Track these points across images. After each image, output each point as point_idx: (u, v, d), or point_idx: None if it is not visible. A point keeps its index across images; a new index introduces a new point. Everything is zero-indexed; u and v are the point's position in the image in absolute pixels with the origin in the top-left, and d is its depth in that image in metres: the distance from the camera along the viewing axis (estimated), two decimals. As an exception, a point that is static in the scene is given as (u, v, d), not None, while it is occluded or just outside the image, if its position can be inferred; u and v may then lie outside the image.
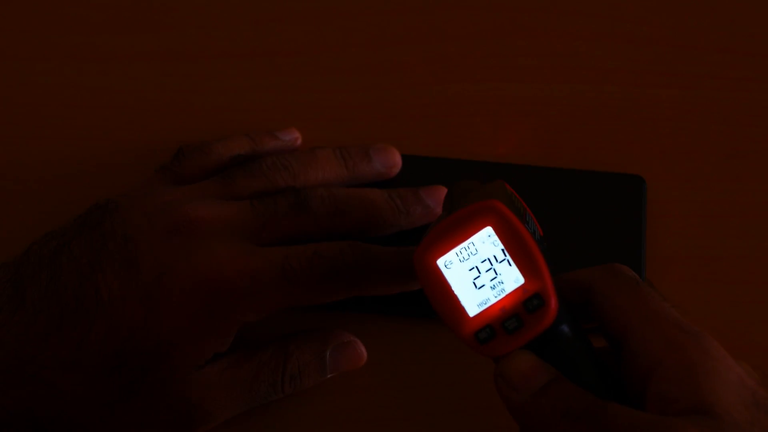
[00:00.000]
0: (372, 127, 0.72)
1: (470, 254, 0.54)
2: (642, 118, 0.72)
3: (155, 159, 0.69)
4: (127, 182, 0.67)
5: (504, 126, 0.72)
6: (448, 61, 0.74)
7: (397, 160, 0.68)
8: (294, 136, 0.70)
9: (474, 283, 0.54)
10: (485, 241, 0.54)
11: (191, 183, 0.65)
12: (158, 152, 0.69)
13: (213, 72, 0.73)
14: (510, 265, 0.53)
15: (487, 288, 0.54)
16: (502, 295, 0.53)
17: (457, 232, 0.54)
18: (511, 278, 0.53)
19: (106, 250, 0.59)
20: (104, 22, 0.75)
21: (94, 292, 0.58)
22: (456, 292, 0.54)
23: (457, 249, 0.54)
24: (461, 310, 0.54)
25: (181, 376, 0.58)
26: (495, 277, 0.54)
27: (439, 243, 0.54)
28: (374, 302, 0.66)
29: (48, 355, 0.57)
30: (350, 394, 0.66)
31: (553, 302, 0.52)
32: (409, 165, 0.69)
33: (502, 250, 0.53)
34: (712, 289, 0.68)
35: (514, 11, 0.75)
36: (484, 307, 0.54)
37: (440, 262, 0.54)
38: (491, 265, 0.54)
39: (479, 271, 0.54)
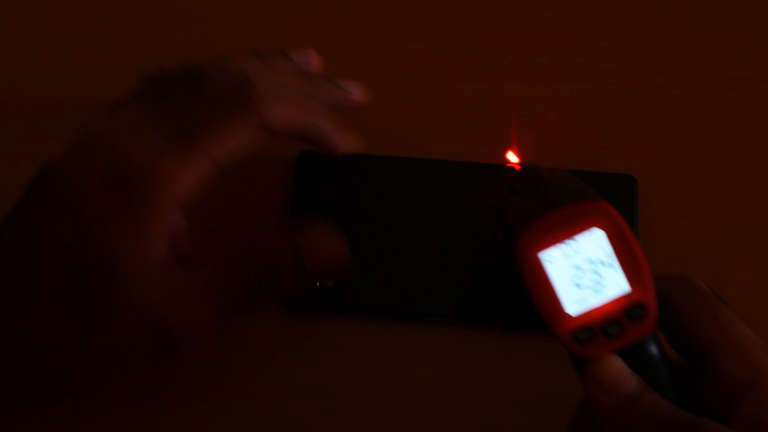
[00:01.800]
0: (372, 127, 0.72)
1: (575, 252, 0.54)
2: (642, 118, 0.72)
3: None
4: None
5: (503, 126, 0.72)
6: (448, 61, 0.74)
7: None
8: (307, 59, 0.66)
9: (576, 282, 0.54)
10: (593, 243, 0.54)
11: None
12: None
13: (213, 72, 0.73)
14: (615, 270, 0.54)
15: (588, 289, 0.54)
16: (604, 298, 0.54)
17: (566, 228, 0.54)
18: (615, 283, 0.54)
19: (35, 191, 0.57)
20: (104, 22, 0.75)
21: (31, 232, 0.56)
22: (556, 288, 0.54)
23: (562, 245, 0.54)
24: (560, 307, 0.54)
25: (137, 286, 0.56)
26: (598, 279, 0.54)
27: (546, 235, 0.54)
28: (375, 306, 0.66)
29: (6, 303, 0.56)
30: (350, 395, 0.66)
31: (655, 313, 0.53)
32: (408, 167, 0.70)
33: (610, 254, 0.54)
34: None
35: (514, 11, 0.75)
36: (584, 307, 0.54)
37: (544, 255, 0.54)
38: (596, 267, 0.54)
39: (582, 271, 0.54)
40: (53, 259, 0.56)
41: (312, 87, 0.63)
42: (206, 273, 0.57)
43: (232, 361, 0.67)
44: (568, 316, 0.54)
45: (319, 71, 0.65)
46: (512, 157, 0.70)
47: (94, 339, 0.56)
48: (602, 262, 0.54)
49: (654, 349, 0.53)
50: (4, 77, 0.73)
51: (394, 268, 0.67)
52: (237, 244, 0.58)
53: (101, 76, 0.73)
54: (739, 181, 0.71)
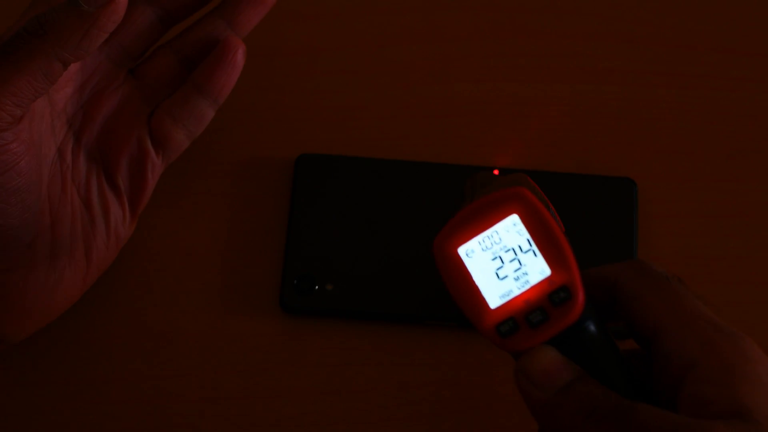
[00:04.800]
0: (372, 127, 0.72)
1: (493, 243, 0.52)
2: (642, 118, 0.72)
3: (155, 160, 0.69)
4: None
5: (504, 126, 0.72)
6: (448, 61, 0.74)
7: None
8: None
9: (497, 273, 0.52)
10: (510, 230, 0.52)
11: None
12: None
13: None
14: (536, 255, 0.51)
15: (510, 279, 0.52)
16: (527, 287, 0.51)
17: (480, 219, 0.52)
18: (537, 269, 0.51)
19: None
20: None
21: None
22: (477, 283, 0.52)
23: (479, 237, 0.52)
24: (482, 301, 0.51)
25: None
26: (519, 268, 0.51)
27: (461, 230, 0.52)
28: (375, 310, 0.67)
29: None
30: (351, 395, 0.66)
31: (581, 296, 0.50)
32: (408, 170, 0.70)
33: (528, 239, 0.51)
34: (711, 289, 0.68)
35: (514, 11, 0.75)
36: (507, 299, 0.51)
37: (461, 250, 0.52)
38: (515, 255, 0.52)
39: (502, 261, 0.52)
40: None
41: None
42: None
43: (231, 362, 0.67)
44: (490, 309, 0.51)
45: None
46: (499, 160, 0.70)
47: None
48: (522, 249, 0.52)
49: (594, 332, 0.51)
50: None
51: (393, 271, 0.67)
52: None
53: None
54: (739, 181, 0.71)
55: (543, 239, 0.51)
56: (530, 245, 0.51)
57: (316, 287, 0.67)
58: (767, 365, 0.49)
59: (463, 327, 0.67)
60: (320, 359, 0.67)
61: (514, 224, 0.52)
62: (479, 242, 0.52)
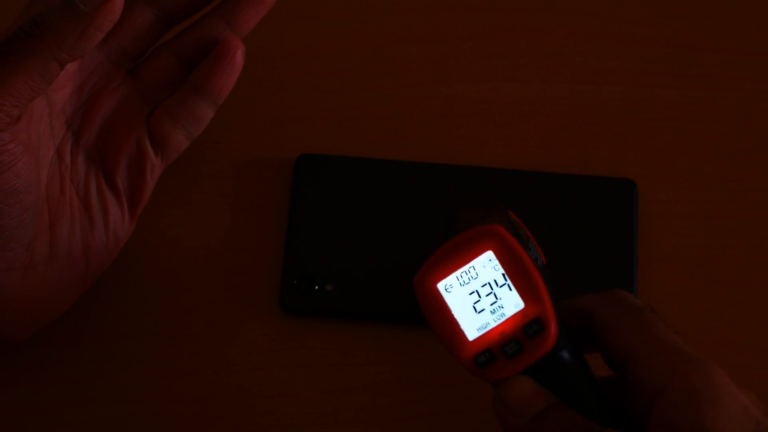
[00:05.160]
0: (372, 127, 0.72)
1: (471, 278, 0.54)
2: (642, 118, 0.72)
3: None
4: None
5: (504, 126, 0.72)
6: (448, 61, 0.74)
7: None
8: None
9: (474, 307, 0.54)
10: (486, 265, 0.54)
11: None
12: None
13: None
14: (510, 289, 0.53)
15: (487, 312, 0.54)
16: (502, 320, 0.53)
17: (458, 255, 0.54)
18: (512, 303, 0.53)
19: None
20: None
21: None
22: (456, 316, 0.54)
23: (457, 273, 0.54)
24: (461, 334, 0.54)
25: None
26: (495, 302, 0.54)
27: (440, 266, 0.54)
28: (374, 310, 0.67)
29: None
30: (351, 395, 0.66)
31: (553, 327, 0.52)
32: (408, 170, 0.70)
33: (503, 274, 0.54)
34: (711, 289, 0.68)
35: (514, 11, 0.75)
36: (484, 331, 0.54)
37: (440, 285, 0.54)
38: (491, 289, 0.54)
39: (479, 296, 0.54)
40: None
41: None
42: None
43: (231, 362, 0.67)
44: (468, 341, 0.54)
45: None
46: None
47: None
48: (497, 283, 0.54)
49: (569, 361, 0.53)
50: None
51: (393, 271, 0.67)
52: None
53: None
54: (739, 181, 0.71)
55: (516, 274, 0.53)
56: (505, 279, 0.54)
57: (316, 287, 0.67)
58: (732, 391, 0.51)
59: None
60: (320, 359, 0.67)
61: (490, 260, 0.54)
62: (457, 278, 0.54)
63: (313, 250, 0.68)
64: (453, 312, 0.54)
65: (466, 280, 0.54)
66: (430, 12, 0.75)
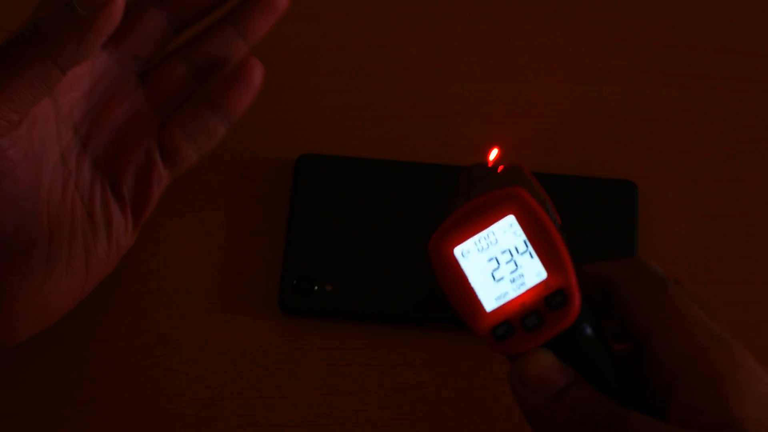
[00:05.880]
0: (372, 127, 0.72)
1: (490, 244, 0.51)
2: (642, 118, 0.72)
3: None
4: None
5: (504, 126, 0.72)
6: (448, 61, 0.74)
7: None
8: None
9: (492, 275, 0.51)
10: (506, 231, 0.51)
11: None
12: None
13: (213, 72, 0.73)
14: (532, 257, 0.51)
15: (506, 281, 0.51)
16: (523, 290, 0.51)
17: (476, 219, 0.51)
18: (533, 272, 0.51)
19: None
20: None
21: None
22: (473, 284, 0.51)
23: (476, 238, 0.51)
24: (478, 303, 0.51)
25: None
26: (515, 270, 0.51)
27: (457, 230, 0.51)
28: (374, 310, 0.67)
29: None
30: (350, 395, 0.66)
31: (577, 300, 0.50)
32: (408, 171, 0.70)
33: (525, 241, 0.51)
34: (711, 289, 0.68)
35: (514, 11, 0.75)
36: (503, 301, 0.51)
37: (457, 250, 0.51)
38: (512, 256, 0.51)
39: (498, 263, 0.51)
40: None
41: None
42: None
43: (230, 362, 0.67)
44: (486, 311, 0.51)
45: None
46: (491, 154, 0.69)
47: None
48: (518, 251, 0.51)
49: (591, 335, 0.51)
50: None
51: (393, 272, 0.67)
52: None
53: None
54: (739, 181, 0.71)
55: (540, 241, 0.51)
56: (527, 247, 0.51)
57: (316, 288, 0.67)
58: (758, 373, 0.49)
59: (461, 328, 0.67)
60: (319, 360, 0.67)
61: (511, 225, 0.51)
62: (475, 243, 0.51)
63: (313, 250, 0.68)
64: (470, 280, 0.51)
65: (485, 246, 0.51)
66: (430, 12, 0.75)
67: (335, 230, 0.69)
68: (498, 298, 0.51)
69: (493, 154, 0.63)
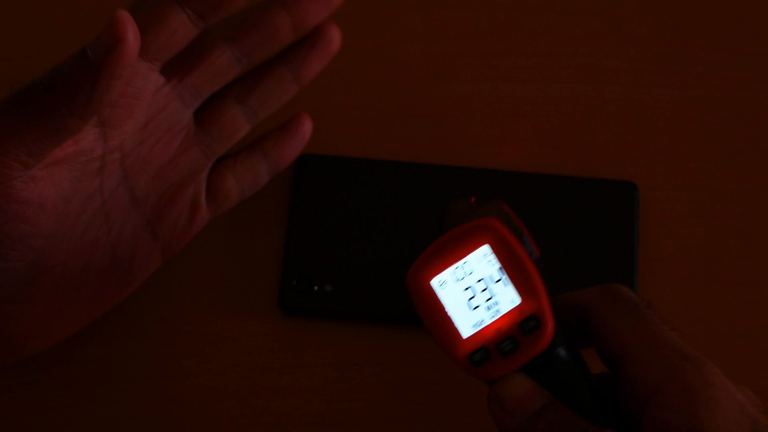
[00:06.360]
0: (372, 127, 0.72)
1: (466, 274, 0.53)
2: (642, 118, 0.72)
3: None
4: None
5: (504, 126, 0.72)
6: (448, 61, 0.74)
7: None
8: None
9: (469, 303, 0.53)
10: (482, 260, 0.53)
11: None
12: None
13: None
14: (506, 285, 0.52)
15: (482, 308, 0.53)
16: (498, 316, 0.52)
17: (453, 250, 0.53)
18: (507, 299, 0.52)
19: None
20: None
21: None
22: (450, 313, 0.53)
23: (452, 268, 0.53)
24: (455, 331, 0.53)
25: None
26: (491, 298, 0.53)
27: (434, 261, 0.53)
28: (373, 311, 0.67)
29: None
30: (350, 395, 0.66)
31: (550, 324, 0.52)
32: (408, 171, 0.70)
33: (499, 269, 0.52)
34: (711, 289, 0.68)
35: (514, 11, 0.75)
36: (479, 328, 0.53)
37: (434, 281, 0.53)
38: (487, 285, 0.53)
39: (474, 291, 0.53)
40: None
41: None
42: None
43: (230, 362, 0.67)
44: (462, 339, 0.52)
45: None
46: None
47: None
48: (492, 279, 0.53)
49: (565, 358, 0.52)
50: (5, 77, 0.73)
51: (393, 272, 0.67)
52: None
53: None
54: (739, 181, 0.71)
55: (513, 268, 0.52)
56: (501, 274, 0.52)
57: (315, 288, 0.67)
58: (729, 389, 0.50)
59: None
60: (319, 360, 0.67)
61: (485, 254, 0.53)
62: (451, 273, 0.53)
63: (313, 250, 0.68)
64: (447, 309, 0.53)
65: (461, 276, 0.53)
66: (430, 12, 0.75)
67: (335, 230, 0.69)
68: (474, 325, 0.53)
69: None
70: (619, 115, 0.72)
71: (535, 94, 0.73)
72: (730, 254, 0.69)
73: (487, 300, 0.53)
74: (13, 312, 0.59)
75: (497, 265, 0.52)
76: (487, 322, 0.52)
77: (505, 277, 0.52)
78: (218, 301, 0.68)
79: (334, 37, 0.65)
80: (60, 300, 0.61)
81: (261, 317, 0.68)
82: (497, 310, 0.52)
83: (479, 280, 0.53)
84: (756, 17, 0.75)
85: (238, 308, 0.68)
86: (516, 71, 0.73)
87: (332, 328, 0.67)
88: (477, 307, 0.53)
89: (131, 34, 0.53)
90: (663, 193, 0.70)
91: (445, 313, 0.53)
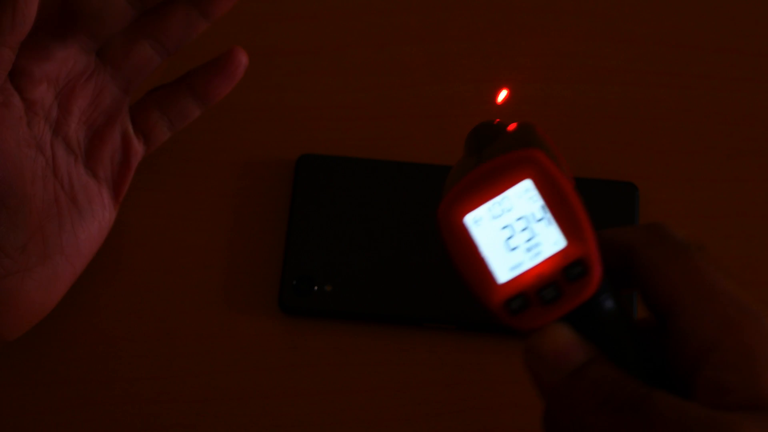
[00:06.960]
0: (372, 127, 0.72)
1: (504, 210, 0.47)
2: (642, 118, 0.72)
3: (153, 160, 0.69)
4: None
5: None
6: (448, 61, 0.74)
7: None
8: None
9: (506, 244, 0.47)
10: (522, 196, 0.47)
11: None
12: (155, 152, 0.68)
13: (213, 72, 0.73)
14: (549, 225, 0.47)
15: (521, 250, 0.47)
16: (539, 260, 0.47)
17: (489, 184, 0.47)
18: (551, 240, 0.47)
19: None
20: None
21: None
22: (485, 254, 0.47)
23: (489, 204, 0.47)
24: (490, 274, 0.47)
25: None
26: (531, 238, 0.47)
27: (469, 196, 0.47)
28: (373, 311, 0.67)
29: None
30: (350, 395, 0.66)
31: (598, 270, 0.46)
32: (408, 171, 0.70)
33: (542, 206, 0.47)
34: (711, 289, 0.68)
35: (514, 11, 0.75)
36: (517, 272, 0.47)
37: (469, 218, 0.47)
38: (528, 224, 0.47)
39: (513, 231, 0.47)
40: None
41: None
42: None
43: (230, 362, 0.67)
44: (499, 284, 0.47)
45: None
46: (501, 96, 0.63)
47: None
48: (535, 218, 0.47)
49: (611, 308, 0.47)
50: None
51: (393, 272, 0.67)
52: None
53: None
54: (739, 181, 0.71)
55: (558, 207, 0.47)
56: (544, 213, 0.47)
57: (315, 288, 0.67)
58: None
59: (462, 329, 0.67)
60: (319, 360, 0.67)
61: (527, 190, 0.47)
62: (488, 209, 0.48)
63: (313, 250, 0.68)
64: (482, 250, 0.47)
65: (499, 213, 0.47)
66: (430, 12, 0.75)
67: (335, 230, 0.69)
68: (512, 268, 0.47)
69: (503, 95, 0.60)
70: (618, 116, 0.72)
71: (535, 94, 0.73)
72: (730, 254, 0.69)
73: (528, 241, 0.47)
74: (12, 283, 0.61)
75: (540, 202, 0.47)
76: (527, 265, 0.47)
77: (548, 216, 0.47)
78: (218, 301, 0.68)
79: None
80: (50, 263, 0.63)
81: (261, 317, 0.68)
82: (538, 253, 0.47)
83: (519, 219, 0.47)
84: (756, 17, 0.75)
85: (238, 308, 0.68)
86: (516, 71, 0.73)
87: (332, 328, 0.67)
88: (515, 248, 0.47)
89: None
90: (663, 193, 0.70)
91: (480, 254, 0.47)
